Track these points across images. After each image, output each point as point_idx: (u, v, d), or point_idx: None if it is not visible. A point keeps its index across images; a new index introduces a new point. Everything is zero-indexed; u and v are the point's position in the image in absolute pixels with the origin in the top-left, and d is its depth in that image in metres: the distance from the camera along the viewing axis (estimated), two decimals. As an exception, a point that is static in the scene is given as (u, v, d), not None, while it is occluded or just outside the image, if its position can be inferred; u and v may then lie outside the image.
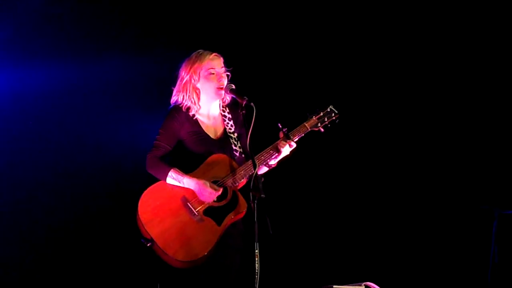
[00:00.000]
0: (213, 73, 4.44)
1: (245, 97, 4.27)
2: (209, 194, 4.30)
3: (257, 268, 4.03)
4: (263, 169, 4.50)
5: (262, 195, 4.06)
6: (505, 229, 5.98)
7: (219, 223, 4.31)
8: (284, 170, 5.91)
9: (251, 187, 4.08)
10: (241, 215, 4.36)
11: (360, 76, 6.44)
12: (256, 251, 4.03)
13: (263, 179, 4.16)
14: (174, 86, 4.51)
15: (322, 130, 4.56)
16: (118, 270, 5.92)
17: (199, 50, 4.50)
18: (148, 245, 4.28)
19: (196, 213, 4.32)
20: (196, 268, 4.30)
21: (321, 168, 6.44)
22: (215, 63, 4.46)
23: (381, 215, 6.41)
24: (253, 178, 4.11)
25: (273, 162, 4.48)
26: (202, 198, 4.32)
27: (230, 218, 4.33)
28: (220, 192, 4.32)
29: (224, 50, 4.54)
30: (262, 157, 4.41)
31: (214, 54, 4.48)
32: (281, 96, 6.19)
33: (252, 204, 4.06)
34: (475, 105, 6.30)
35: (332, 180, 6.44)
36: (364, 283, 4.56)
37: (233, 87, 4.40)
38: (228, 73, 4.49)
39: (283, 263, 6.16)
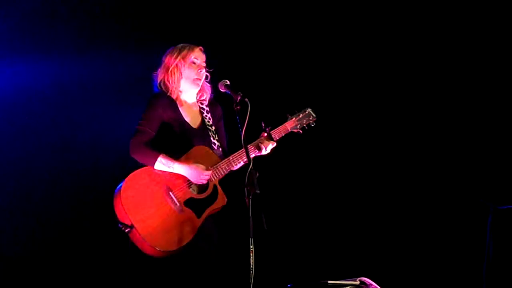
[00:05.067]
0: (195, 63, 4.59)
1: (239, 92, 4.29)
2: (201, 175, 4.39)
3: (251, 264, 4.04)
4: (239, 164, 4.55)
5: (257, 191, 4.07)
6: (501, 223, 5.98)
7: (198, 215, 4.41)
8: (279, 166, 5.93)
9: (246, 182, 4.09)
10: (219, 209, 4.48)
11: (356, 71, 6.46)
12: (251, 246, 4.04)
13: (258, 174, 4.16)
14: (156, 71, 4.62)
15: (301, 132, 4.73)
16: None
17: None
18: (127, 230, 4.31)
19: (177, 203, 4.39)
20: (169, 257, 4.37)
21: (315, 163, 6.43)
22: (200, 56, 4.63)
23: (376, 210, 6.41)
24: (248, 173, 4.12)
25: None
26: (194, 180, 4.40)
27: (209, 211, 4.43)
28: (210, 174, 4.41)
29: (209, 47, 4.66)
30: (243, 154, 4.48)
31: (201, 47, 4.65)
32: (260, 94, 6.21)
33: (246, 200, 4.07)
34: (471, 101, 6.30)
35: (327, 175, 6.44)
36: (359, 278, 4.57)
37: (228, 82, 4.42)
38: (207, 74, 4.63)
39: (278, 259, 6.16)
